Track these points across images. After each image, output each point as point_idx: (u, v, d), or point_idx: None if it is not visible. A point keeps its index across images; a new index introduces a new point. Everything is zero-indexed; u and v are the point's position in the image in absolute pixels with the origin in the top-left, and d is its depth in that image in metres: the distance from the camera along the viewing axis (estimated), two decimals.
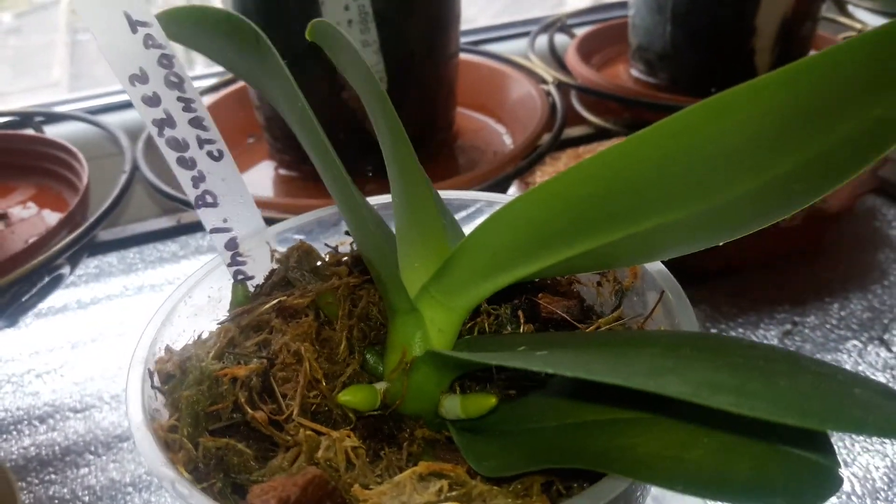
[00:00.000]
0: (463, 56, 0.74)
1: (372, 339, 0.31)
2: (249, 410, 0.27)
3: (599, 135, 0.79)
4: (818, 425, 0.18)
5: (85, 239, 0.55)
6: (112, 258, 0.75)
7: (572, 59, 0.79)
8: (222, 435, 0.27)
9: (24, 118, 0.75)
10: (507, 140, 0.73)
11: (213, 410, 0.27)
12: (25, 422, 0.57)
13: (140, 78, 0.32)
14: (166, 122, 0.33)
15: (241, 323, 0.30)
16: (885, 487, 0.48)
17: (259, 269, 0.35)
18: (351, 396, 0.28)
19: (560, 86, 0.73)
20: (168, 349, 0.29)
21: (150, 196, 0.78)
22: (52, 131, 0.73)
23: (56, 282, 0.56)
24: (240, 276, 0.35)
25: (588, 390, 0.27)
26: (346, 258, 0.35)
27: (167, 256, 0.75)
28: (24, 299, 0.55)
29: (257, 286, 0.35)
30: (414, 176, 0.28)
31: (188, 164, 0.33)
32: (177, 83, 0.33)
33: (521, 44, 0.89)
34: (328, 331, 0.30)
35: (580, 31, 0.87)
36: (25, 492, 0.50)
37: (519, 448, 0.26)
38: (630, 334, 0.29)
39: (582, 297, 0.35)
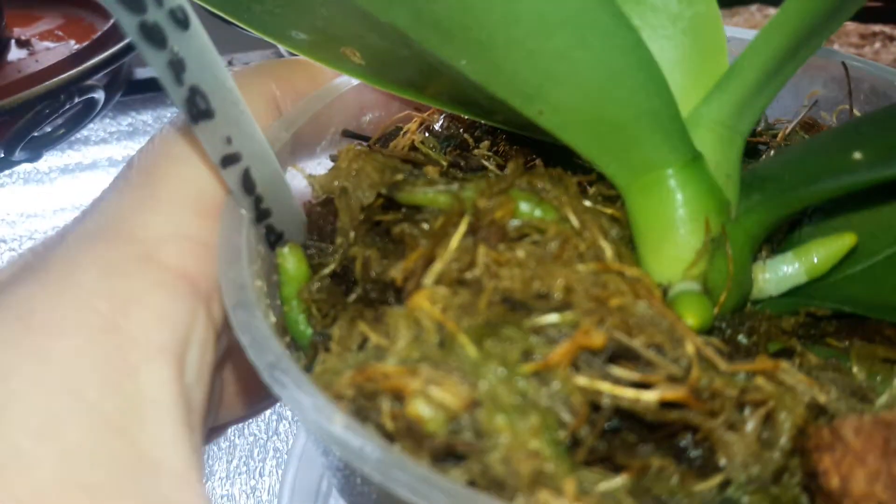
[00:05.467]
0: None
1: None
2: None
3: None
4: None
5: (121, 60, 0.49)
6: (147, 116, 0.68)
7: None
8: None
9: None
10: None
11: None
12: None
13: None
14: None
15: None
16: None
17: (285, 221, 0.20)
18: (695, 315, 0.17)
19: None
20: None
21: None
22: None
23: (89, 109, 0.50)
24: (272, 237, 0.19)
25: None
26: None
27: None
28: (49, 128, 0.49)
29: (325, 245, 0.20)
30: None
31: (153, 35, 0.16)
32: None
33: None
34: None
35: None
36: None
37: None
38: None
39: None
